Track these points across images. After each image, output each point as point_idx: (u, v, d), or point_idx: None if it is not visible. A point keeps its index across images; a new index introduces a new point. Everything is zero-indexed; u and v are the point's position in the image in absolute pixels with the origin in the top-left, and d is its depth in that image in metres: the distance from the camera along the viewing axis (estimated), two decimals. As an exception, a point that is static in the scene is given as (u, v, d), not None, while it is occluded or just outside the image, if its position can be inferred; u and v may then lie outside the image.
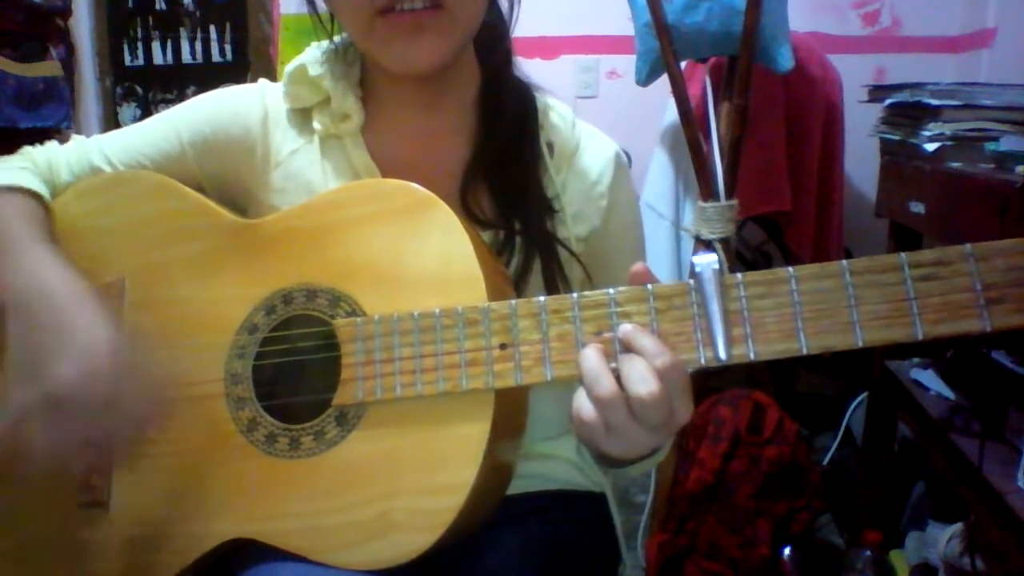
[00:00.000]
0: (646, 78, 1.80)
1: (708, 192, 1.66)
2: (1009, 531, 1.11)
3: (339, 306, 0.73)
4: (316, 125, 0.84)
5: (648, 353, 0.61)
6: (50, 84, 2.34)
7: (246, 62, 2.58)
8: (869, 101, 1.78)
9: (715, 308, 0.62)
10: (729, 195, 1.65)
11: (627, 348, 0.63)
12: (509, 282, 0.79)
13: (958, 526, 1.42)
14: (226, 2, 2.56)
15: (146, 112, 2.61)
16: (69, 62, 2.45)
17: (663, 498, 1.64)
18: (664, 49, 1.62)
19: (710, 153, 1.68)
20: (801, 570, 1.59)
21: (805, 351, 0.61)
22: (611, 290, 0.65)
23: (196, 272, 0.80)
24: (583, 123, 0.90)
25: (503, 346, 0.67)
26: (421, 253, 0.72)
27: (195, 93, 0.89)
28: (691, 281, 0.63)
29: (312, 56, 0.85)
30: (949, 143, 1.45)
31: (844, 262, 0.61)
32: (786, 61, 1.69)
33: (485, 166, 0.84)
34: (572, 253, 0.84)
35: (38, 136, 2.30)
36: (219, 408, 0.75)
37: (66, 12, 2.41)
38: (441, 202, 0.73)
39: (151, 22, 2.59)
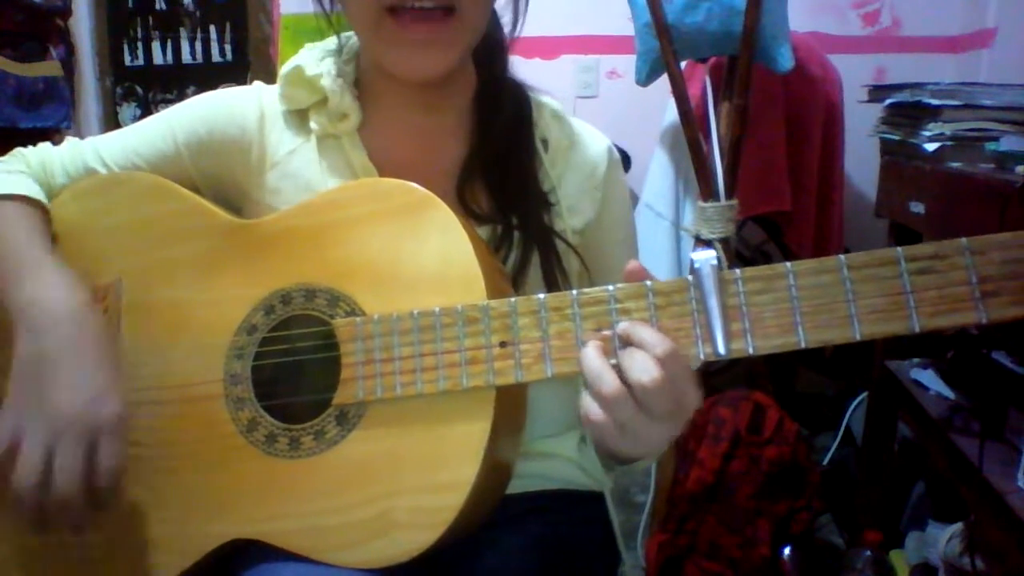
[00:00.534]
0: (646, 78, 1.80)
1: (708, 192, 1.66)
2: (1009, 531, 1.11)
3: (338, 306, 0.73)
4: (313, 125, 0.84)
5: (647, 344, 0.61)
6: (50, 84, 2.34)
7: (246, 62, 2.58)
8: (869, 101, 1.78)
9: (714, 303, 0.62)
10: (729, 195, 1.66)
11: (626, 343, 0.63)
12: (508, 280, 0.79)
13: (958, 526, 1.42)
14: (226, 2, 2.56)
15: (146, 112, 2.61)
16: (69, 62, 2.45)
17: (663, 498, 1.64)
18: (664, 49, 1.62)
19: (710, 153, 1.68)
20: (801, 570, 1.58)
21: (803, 344, 0.61)
22: (610, 287, 0.65)
23: (194, 273, 0.79)
24: (575, 119, 0.91)
25: (503, 344, 0.67)
26: (420, 252, 0.72)
27: (195, 93, 0.89)
28: (690, 277, 0.63)
29: (307, 57, 0.85)
30: (949, 143, 1.45)
31: (842, 256, 0.61)
32: (786, 61, 1.70)
33: (481, 164, 0.84)
34: (569, 245, 0.85)
35: (38, 136, 2.32)
36: (218, 409, 0.75)
37: (66, 12, 2.42)
38: (440, 201, 0.73)
39: (151, 22, 2.60)
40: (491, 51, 0.87)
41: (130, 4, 2.59)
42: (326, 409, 0.72)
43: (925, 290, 0.59)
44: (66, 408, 0.68)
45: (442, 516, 0.66)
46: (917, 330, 0.59)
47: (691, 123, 1.65)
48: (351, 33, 0.87)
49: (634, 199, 1.78)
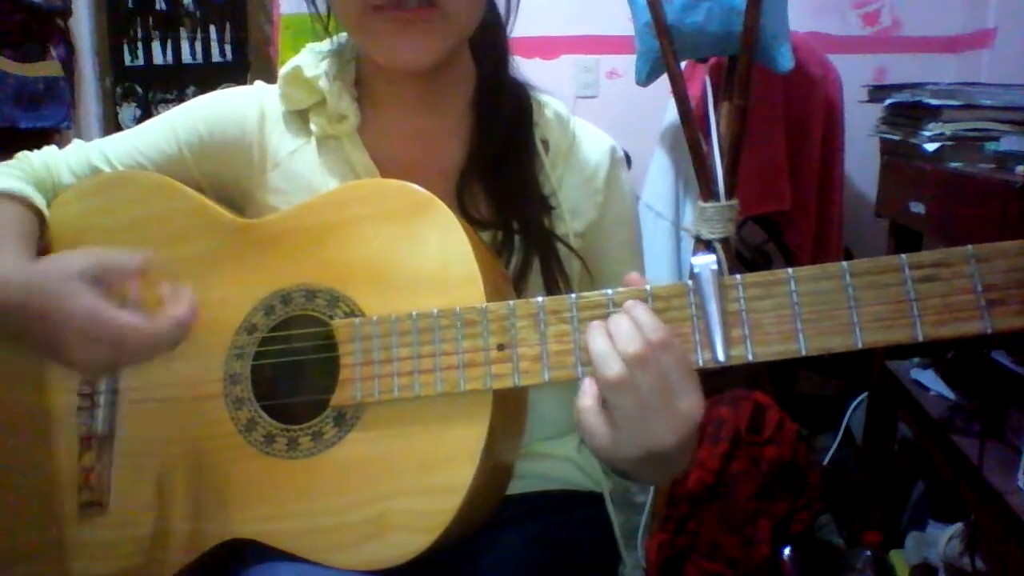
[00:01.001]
0: (646, 78, 1.80)
1: (708, 192, 1.66)
2: (1009, 531, 1.11)
3: (338, 306, 0.73)
4: (313, 126, 0.84)
5: (642, 323, 0.61)
6: (50, 84, 2.34)
7: (246, 62, 2.58)
8: (869, 101, 1.78)
9: (713, 309, 0.62)
10: (729, 195, 1.65)
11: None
12: (508, 282, 0.79)
13: (958, 526, 1.42)
14: (226, 2, 2.56)
15: (146, 112, 2.61)
16: (69, 62, 2.45)
17: (663, 498, 1.63)
18: (664, 49, 1.62)
19: (710, 153, 1.68)
20: (801, 570, 1.58)
21: (804, 352, 0.61)
22: (609, 291, 0.65)
23: (195, 272, 0.79)
24: (578, 119, 0.90)
25: (501, 347, 0.67)
26: (420, 254, 0.72)
27: (195, 93, 0.90)
28: (690, 282, 0.63)
29: (307, 57, 0.85)
30: (949, 143, 1.45)
31: (844, 263, 0.60)
32: (786, 61, 1.69)
33: (481, 166, 0.84)
34: (571, 249, 0.84)
35: (38, 136, 2.31)
36: (217, 408, 0.75)
37: (66, 12, 2.42)
38: (440, 203, 0.72)
39: (151, 22, 2.60)
40: (489, 48, 0.86)
41: (130, 4, 2.59)
42: (324, 410, 0.72)
43: (929, 298, 0.59)
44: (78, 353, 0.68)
45: (438, 519, 0.66)
46: (921, 339, 0.58)
47: (691, 123, 1.65)
48: None
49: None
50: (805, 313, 0.61)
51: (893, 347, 1.68)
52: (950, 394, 1.49)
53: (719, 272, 0.62)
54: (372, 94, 0.85)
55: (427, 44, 0.76)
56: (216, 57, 2.59)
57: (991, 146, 1.38)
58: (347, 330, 0.71)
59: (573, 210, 0.86)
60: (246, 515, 0.72)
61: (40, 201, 0.84)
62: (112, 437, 0.78)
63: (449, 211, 0.72)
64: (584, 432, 0.63)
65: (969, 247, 0.59)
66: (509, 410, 0.72)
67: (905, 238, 1.71)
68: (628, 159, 0.94)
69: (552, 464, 0.89)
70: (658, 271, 1.93)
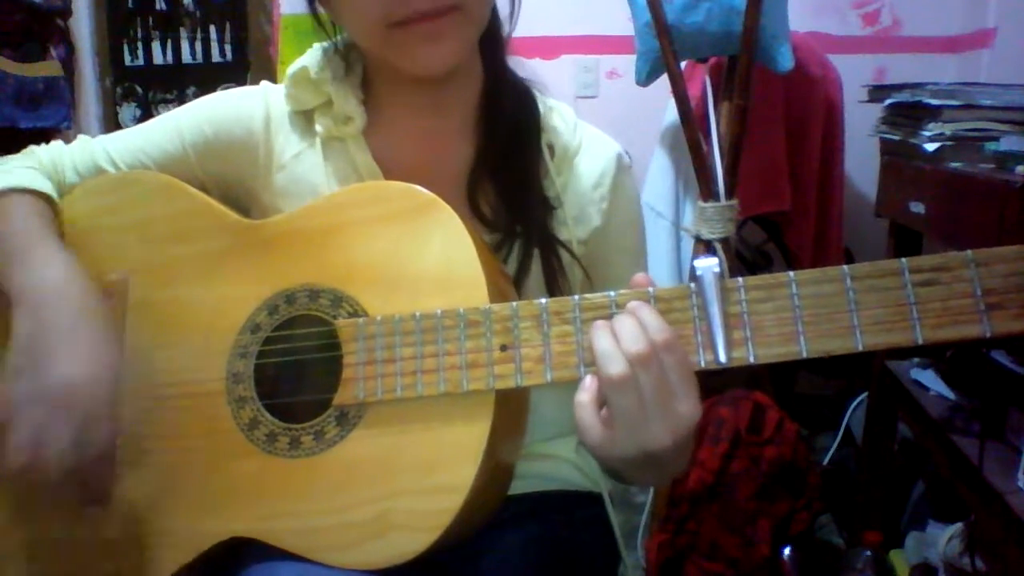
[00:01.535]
0: (646, 78, 1.80)
1: (708, 192, 1.66)
2: (1009, 531, 1.11)
3: (341, 306, 0.73)
4: (318, 128, 0.84)
5: (647, 324, 0.61)
6: (50, 84, 2.34)
7: (246, 62, 2.58)
8: (869, 101, 1.78)
9: (715, 311, 0.62)
10: (729, 195, 1.66)
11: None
12: (510, 284, 0.79)
13: (958, 526, 1.42)
14: (226, 2, 2.56)
15: (146, 112, 2.61)
16: (69, 62, 2.45)
17: (663, 498, 1.64)
18: (664, 49, 1.62)
19: (710, 153, 1.68)
20: (801, 570, 1.59)
21: (805, 355, 0.61)
22: (612, 293, 0.65)
23: (200, 272, 0.80)
24: (585, 124, 0.90)
25: (504, 347, 0.67)
26: (423, 255, 0.72)
27: (195, 93, 0.90)
28: (692, 284, 0.63)
29: (314, 58, 0.85)
30: (949, 143, 1.45)
31: (845, 267, 0.61)
32: (786, 61, 1.70)
33: (489, 167, 0.84)
34: (574, 256, 0.84)
35: (38, 136, 2.31)
36: (220, 407, 0.76)
37: (66, 12, 2.42)
38: (444, 204, 0.73)
39: (151, 22, 2.59)
40: (491, 44, 0.86)
41: (130, 4, 2.59)
42: (327, 409, 0.72)
43: (928, 302, 0.59)
44: (59, 386, 0.68)
45: (440, 519, 0.66)
46: (920, 342, 0.59)
47: (691, 123, 1.65)
48: None
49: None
50: (806, 316, 0.61)
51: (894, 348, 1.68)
52: (950, 394, 1.49)
53: (721, 275, 0.63)
54: (378, 96, 0.85)
55: (453, 48, 0.76)
56: (216, 57, 2.58)
57: (991, 146, 1.38)
58: (350, 330, 0.71)
59: (577, 216, 0.86)
60: (247, 514, 0.73)
61: (56, 199, 0.85)
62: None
63: (452, 212, 0.72)
64: (579, 427, 0.64)
65: (968, 252, 0.59)
66: (511, 410, 0.72)
67: (905, 238, 1.71)
68: (629, 160, 0.94)
69: (552, 464, 0.89)
70: (658, 271, 1.93)
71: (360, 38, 0.79)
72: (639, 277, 0.65)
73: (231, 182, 0.87)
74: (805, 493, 1.62)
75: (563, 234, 0.84)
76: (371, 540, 0.68)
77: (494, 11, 0.85)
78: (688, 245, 1.93)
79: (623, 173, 0.89)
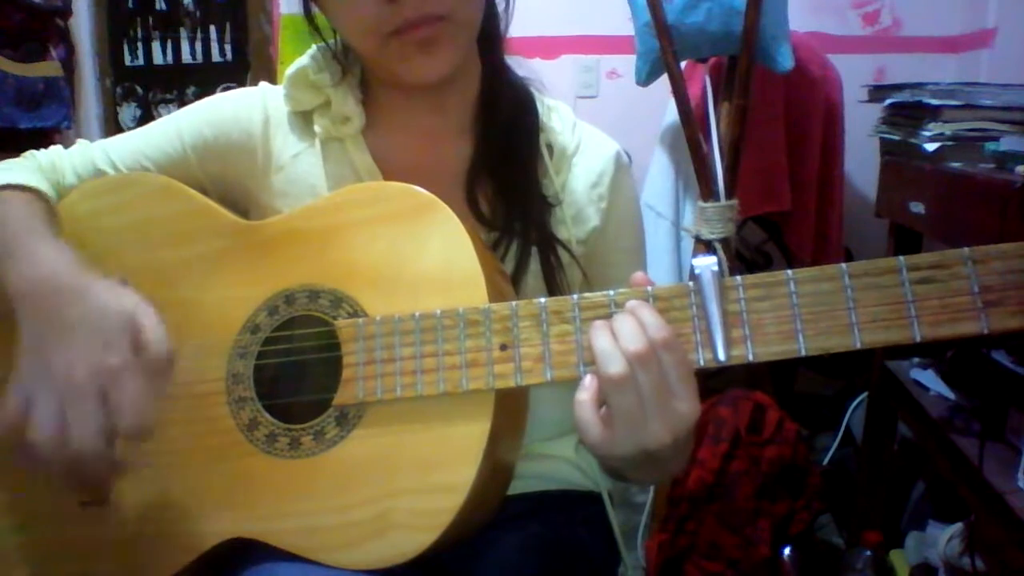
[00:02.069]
0: (646, 78, 1.80)
1: (708, 192, 1.66)
2: (1009, 531, 1.11)
3: (341, 307, 0.73)
4: (317, 128, 0.84)
5: (646, 323, 0.61)
6: (50, 84, 2.34)
7: (246, 62, 2.58)
8: (869, 101, 1.78)
9: (714, 310, 0.62)
10: (729, 195, 1.66)
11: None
12: (509, 283, 0.79)
13: (958, 526, 1.42)
14: (226, 2, 2.56)
15: (146, 112, 2.61)
16: (69, 62, 2.45)
17: (663, 498, 1.64)
18: (664, 49, 1.62)
19: (710, 153, 1.68)
20: (801, 570, 1.59)
21: (804, 352, 0.61)
22: (611, 292, 0.65)
23: (199, 273, 0.80)
24: (584, 124, 0.90)
25: (503, 347, 0.67)
26: (423, 255, 0.72)
27: (195, 93, 0.90)
28: (691, 283, 0.64)
29: (313, 59, 0.85)
30: (949, 143, 1.45)
31: (843, 265, 0.61)
32: (786, 61, 1.70)
33: (488, 166, 0.84)
34: (572, 256, 0.85)
35: (38, 136, 2.31)
36: (220, 407, 0.76)
37: (66, 12, 2.42)
38: (443, 204, 0.73)
39: (151, 22, 2.60)
40: (488, 44, 0.86)
41: (130, 4, 2.59)
42: (327, 409, 0.72)
43: (926, 299, 0.59)
44: (74, 365, 0.64)
45: (440, 518, 0.66)
46: (918, 339, 0.59)
47: (691, 123, 1.65)
48: None
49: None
50: (805, 314, 0.61)
51: (893, 347, 1.68)
52: (950, 394, 1.49)
53: (720, 273, 0.63)
54: (377, 96, 0.86)
55: (447, 56, 0.76)
56: (216, 57, 2.58)
57: (991, 146, 1.38)
58: (350, 330, 0.71)
59: (575, 215, 0.86)
60: (247, 514, 0.72)
61: (53, 197, 0.85)
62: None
63: (451, 212, 0.72)
64: (579, 425, 0.63)
65: (966, 249, 0.59)
66: (510, 410, 0.72)
67: (905, 238, 1.71)
68: (628, 159, 0.94)
69: (552, 464, 0.89)
70: (658, 271, 1.93)
71: (356, 45, 0.80)
72: (638, 276, 0.65)
73: (230, 183, 0.87)
74: (805, 493, 1.62)
75: (562, 233, 0.85)
76: (371, 540, 0.68)
77: (493, 10, 0.85)
78: (688, 245, 1.93)
79: (622, 172, 0.89)
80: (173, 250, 0.82)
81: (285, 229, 0.79)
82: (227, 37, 2.58)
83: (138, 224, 0.84)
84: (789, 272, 0.62)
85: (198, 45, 2.59)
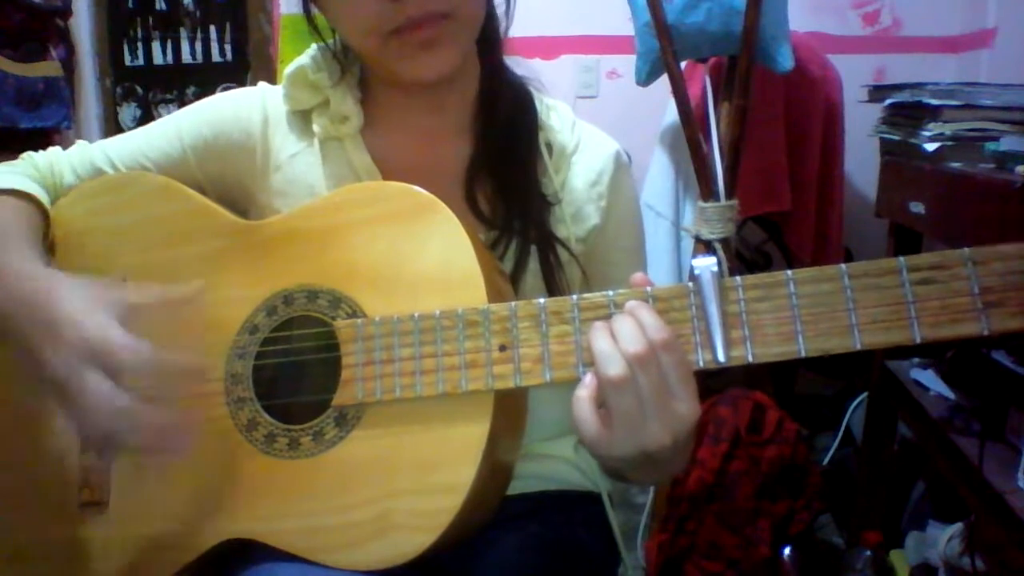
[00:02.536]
0: (646, 78, 1.80)
1: (708, 192, 1.66)
2: (1009, 531, 1.11)
3: (340, 307, 0.73)
4: (316, 128, 0.84)
5: (646, 324, 0.61)
6: (50, 84, 2.34)
7: (246, 62, 2.58)
8: (869, 101, 1.78)
9: (714, 310, 0.62)
10: (729, 195, 1.65)
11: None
12: (509, 283, 0.79)
13: (958, 526, 1.42)
14: (226, 2, 2.56)
15: (146, 112, 2.61)
16: (69, 62, 2.45)
17: (663, 498, 1.64)
18: (664, 49, 1.62)
19: (710, 153, 1.68)
20: (801, 570, 1.59)
21: (803, 353, 0.61)
22: (610, 292, 0.65)
23: (198, 273, 0.80)
24: (583, 123, 0.90)
25: (503, 348, 0.67)
26: (422, 255, 0.72)
27: (195, 93, 0.90)
28: (690, 284, 0.63)
29: (311, 58, 0.85)
30: (949, 143, 1.45)
31: (842, 266, 0.61)
32: (786, 61, 1.69)
33: (487, 165, 0.84)
34: (572, 254, 0.84)
35: (38, 136, 2.31)
36: (219, 407, 0.75)
37: (66, 12, 2.42)
38: (442, 204, 0.73)
39: (151, 22, 2.60)
40: (488, 43, 0.86)
41: (130, 4, 2.59)
42: (326, 410, 0.72)
43: (926, 300, 0.59)
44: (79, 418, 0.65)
45: (440, 518, 0.66)
46: (918, 340, 0.59)
47: (691, 123, 1.65)
48: None
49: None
50: (804, 315, 0.61)
51: (893, 347, 1.68)
52: (950, 394, 1.49)
53: (719, 274, 0.63)
54: (376, 95, 0.86)
55: (448, 55, 0.76)
56: (216, 57, 2.58)
57: (991, 146, 1.38)
58: (349, 331, 0.71)
59: (575, 214, 0.86)
60: (246, 515, 0.72)
61: (45, 199, 0.85)
62: None
63: (450, 212, 0.72)
64: (576, 421, 0.63)
65: (966, 250, 0.59)
66: (510, 410, 0.72)
67: (905, 238, 1.71)
68: (628, 159, 0.94)
69: (551, 464, 0.89)
70: (658, 271, 1.93)
71: (356, 45, 0.80)
72: (637, 277, 0.65)
73: (229, 184, 0.87)
74: (805, 493, 1.62)
75: (561, 232, 0.85)
76: (371, 540, 0.68)
77: (491, 9, 0.85)
78: (688, 245, 1.93)
79: (621, 171, 0.89)
80: (172, 250, 0.81)
81: (284, 229, 0.79)
82: (227, 37, 2.58)
83: (137, 224, 0.84)
84: (789, 273, 0.62)
85: (198, 45, 2.59)
